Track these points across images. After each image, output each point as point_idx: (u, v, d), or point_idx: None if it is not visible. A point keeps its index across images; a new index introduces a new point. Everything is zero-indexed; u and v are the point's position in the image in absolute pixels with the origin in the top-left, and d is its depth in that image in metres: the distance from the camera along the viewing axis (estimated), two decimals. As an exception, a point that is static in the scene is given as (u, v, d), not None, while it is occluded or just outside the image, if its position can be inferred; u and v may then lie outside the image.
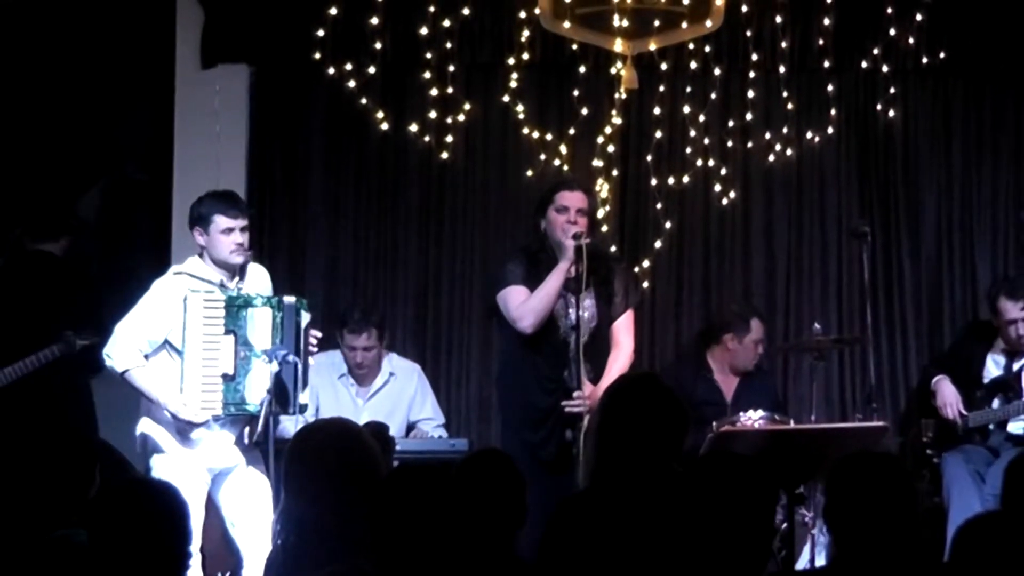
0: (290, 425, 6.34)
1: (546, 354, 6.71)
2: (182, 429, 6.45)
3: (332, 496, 4.38)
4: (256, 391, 6.38)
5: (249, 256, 6.59)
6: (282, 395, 6.35)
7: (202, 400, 6.39)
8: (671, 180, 8.26)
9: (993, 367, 7.67)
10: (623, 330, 6.85)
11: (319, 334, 6.67)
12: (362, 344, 7.73)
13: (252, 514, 6.42)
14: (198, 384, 6.39)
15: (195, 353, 6.38)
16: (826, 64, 8.20)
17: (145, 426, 6.53)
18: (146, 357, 6.46)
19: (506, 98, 8.19)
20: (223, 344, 6.38)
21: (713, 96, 8.22)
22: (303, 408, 6.52)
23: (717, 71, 8.19)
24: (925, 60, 8.16)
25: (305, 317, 6.53)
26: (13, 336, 7.51)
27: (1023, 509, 4.11)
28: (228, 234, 6.47)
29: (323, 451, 4.50)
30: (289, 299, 6.52)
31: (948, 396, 7.58)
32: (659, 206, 8.25)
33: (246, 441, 6.50)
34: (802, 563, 6.89)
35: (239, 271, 6.60)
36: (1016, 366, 7.61)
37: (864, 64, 8.22)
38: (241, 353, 6.39)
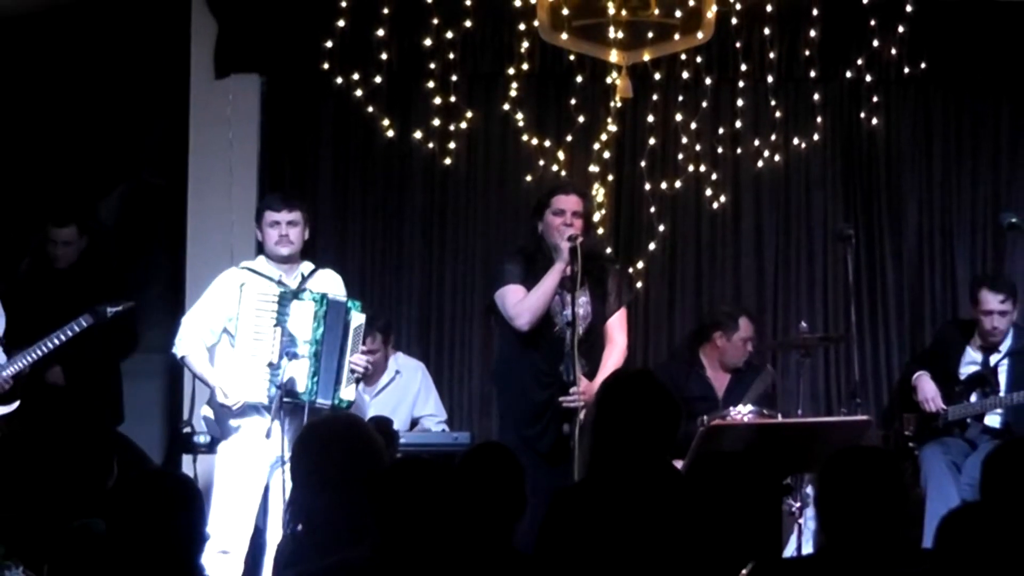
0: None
1: (542, 350, 6.71)
2: (221, 416, 6.51)
3: (338, 487, 4.37)
4: (300, 380, 6.41)
5: (296, 249, 6.65)
6: (290, 391, 6.38)
7: (248, 387, 6.42)
8: (664, 185, 8.26)
9: (970, 363, 7.67)
10: (617, 327, 6.85)
11: (365, 347, 6.70)
12: (366, 348, 7.73)
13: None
14: (243, 372, 6.44)
15: (245, 342, 6.46)
16: (812, 74, 8.21)
17: (205, 410, 6.74)
18: (210, 348, 6.56)
19: (506, 106, 8.18)
20: (270, 335, 6.43)
21: (704, 104, 8.21)
22: (348, 403, 6.53)
23: (708, 81, 8.19)
24: (907, 70, 8.16)
25: (357, 318, 6.56)
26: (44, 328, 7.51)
27: (1002, 499, 4.10)
28: (274, 227, 6.61)
29: (329, 444, 4.50)
30: (338, 297, 6.57)
31: (928, 391, 7.58)
32: (653, 210, 8.25)
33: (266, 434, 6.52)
34: (789, 551, 6.89)
35: (304, 272, 6.65)
36: (993, 361, 7.61)
37: (848, 74, 8.22)
38: (285, 343, 6.42)
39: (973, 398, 7.58)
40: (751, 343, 7.96)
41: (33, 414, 7.39)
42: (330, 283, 6.72)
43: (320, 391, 6.49)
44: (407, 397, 7.87)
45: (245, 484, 6.52)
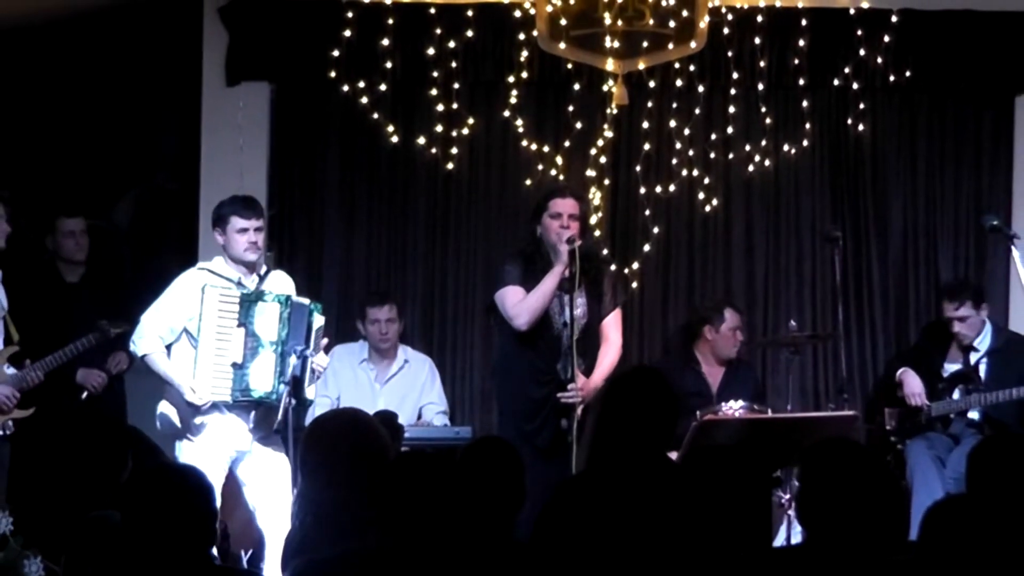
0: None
1: (540, 349, 6.72)
2: (187, 414, 6.47)
3: (345, 479, 4.37)
4: (261, 379, 6.40)
5: (265, 254, 6.62)
6: (297, 387, 6.37)
7: (212, 386, 6.41)
8: (658, 189, 8.26)
9: (952, 362, 7.69)
10: (612, 326, 6.86)
11: (325, 340, 6.68)
12: (384, 316, 7.78)
13: (270, 495, 6.42)
14: (210, 371, 6.42)
15: (208, 343, 6.42)
16: (801, 82, 8.21)
17: (164, 407, 6.60)
18: (168, 346, 6.49)
19: (507, 113, 8.19)
20: (234, 336, 6.41)
21: (697, 111, 8.22)
22: (309, 402, 6.55)
23: (701, 88, 8.19)
24: (892, 78, 8.17)
25: (318, 320, 6.54)
26: (57, 327, 7.49)
27: (987, 492, 4.10)
28: (243, 233, 6.52)
29: (337, 438, 4.49)
30: (301, 299, 6.54)
31: (914, 387, 7.59)
32: (647, 213, 8.25)
33: (275, 428, 6.50)
34: (778, 541, 6.88)
35: (260, 273, 6.62)
36: (973, 360, 7.62)
37: (836, 82, 8.22)
38: (249, 344, 6.40)
39: (956, 395, 7.60)
40: (740, 332, 7.98)
41: (50, 410, 7.38)
42: (283, 284, 6.69)
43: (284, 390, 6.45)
44: (415, 386, 7.91)
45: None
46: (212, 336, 6.41)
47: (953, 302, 7.58)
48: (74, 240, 7.84)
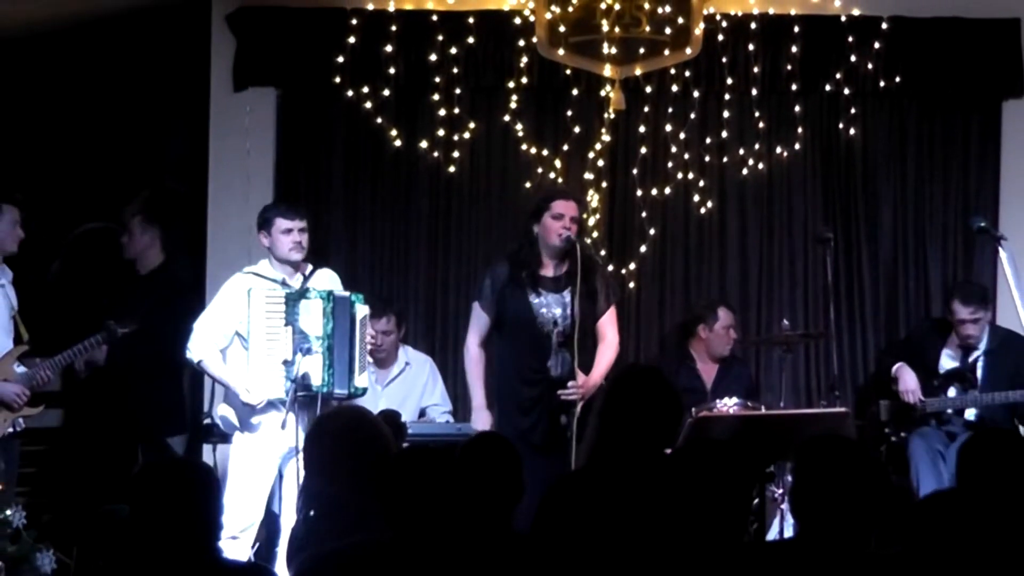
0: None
1: (530, 348, 6.71)
2: (243, 414, 6.51)
3: (348, 474, 4.37)
4: (312, 373, 6.41)
5: (304, 254, 6.69)
6: (305, 384, 6.38)
7: (266, 385, 6.43)
8: (655, 191, 8.25)
9: (948, 360, 7.67)
10: (608, 325, 6.86)
11: (373, 332, 6.72)
12: (381, 328, 7.76)
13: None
14: (263, 370, 6.44)
15: (259, 343, 6.48)
16: (793, 87, 8.20)
17: (223, 409, 6.69)
18: (223, 350, 6.54)
19: (507, 118, 8.19)
20: (283, 334, 6.43)
21: (692, 116, 8.21)
22: (362, 391, 6.56)
23: (696, 93, 8.19)
24: (883, 84, 8.16)
25: (361, 310, 6.60)
26: (71, 325, 7.50)
27: (977, 486, 4.09)
28: (287, 234, 6.64)
29: (340, 434, 4.50)
30: (342, 292, 6.59)
31: (910, 383, 7.56)
32: (644, 214, 8.25)
33: (282, 428, 6.50)
34: (772, 534, 6.87)
35: (305, 273, 6.67)
36: (971, 359, 7.60)
37: (828, 87, 8.21)
38: (298, 341, 6.44)
39: (951, 392, 7.57)
40: (733, 330, 7.98)
41: (67, 411, 7.39)
42: (329, 281, 6.75)
43: (336, 382, 6.53)
44: (416, 388, 7.87)
45: (258, 474, 6.52)
46: (262, 336, 6.48)
47: (969, 305, 7.50)
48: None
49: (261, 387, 6.46)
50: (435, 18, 8.11)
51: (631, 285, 8.17)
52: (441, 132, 8.17)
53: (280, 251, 6.65)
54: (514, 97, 8.16)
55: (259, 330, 6.47)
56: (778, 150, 8.28)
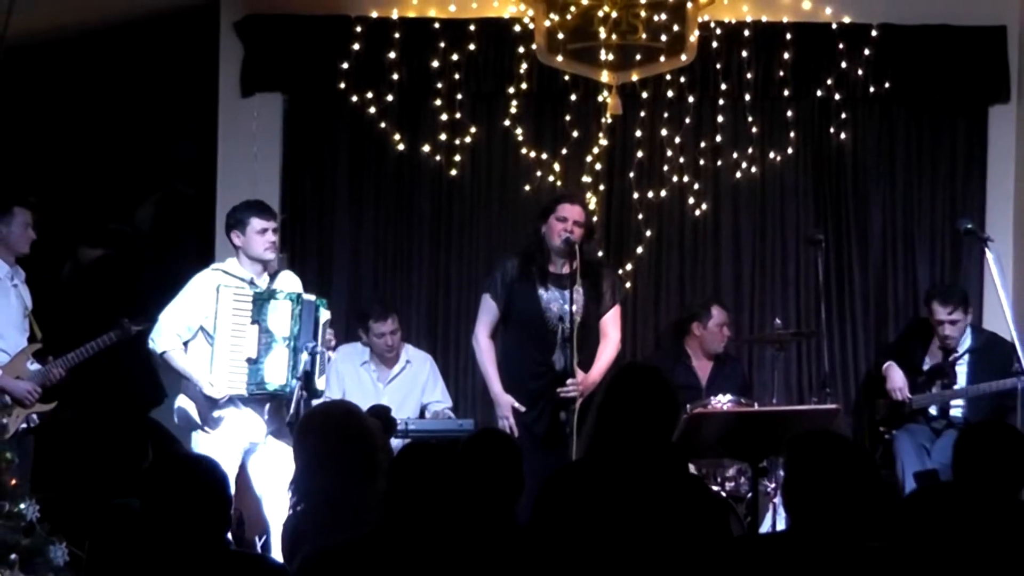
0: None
1: (536, 342, 6.75)
2: (204, 408, 6.46)
3: (335, 468, 4.38)
4: (274, 373, 6.40)
5: (279, 255, 6.62)
6: (308, 381, 6.36)
7: (228, 380, 6.40)
8: (651, 194, 8.26)
9: (932, 359, 7.67)
10: (611, 323, 6.88)
11: (332, 336, 6.68)
12: (388, 329, 7.75)
13: (277, 485, 6.41)
14: (226, 366, 6.41)
15: (224, 339, 6.41)
16: (786, 93, 8.21)
17: (182, 401, 6.59)
18: (185, 343, 6.49)
19: (507, 123, 8.20)
20: (248, 332, 6.41)
21: (687, 121, 8.22)
22: (320, 393, 6.54)
23: (691, 99, 8.19)
24: (872, 89, 8.17)
25: (325, 315, 6.55)
26: (84, 326, 7.49)
27: (973, 478, 4.09)
28: (263, 234, 6.55)
29: (328, 429, 4.50)
30: (309, 296, 6.55)
31: (897, 381, 7.58)
32: (640, 217, 8.25)
33: (287, 420, 6.49)
34: (765, 527, 6.88)
35: (271, 274, 6.62)
36: (951, 359, 7.61)
37: (819, 93, 8.22)
38: (263, 340, 6.40)
39: (935, 389, 7.58)
40: (727, 328, 7.99)
41: (75, 402, 7.38)
42: (292, 283, 6.69)
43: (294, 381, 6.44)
44: (417, 385, 7.87)
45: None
46: (227, 333, 6.41)
47: (947, 306, 7.51)
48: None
49: (224, 382, 6.42)
50: (437, 26, 8.11)
51: (628, 285, 8.17)
52: (443, 136, 8.17)
53: (255, 250, 6.55)
54: (514, 102, 8.16)
55: (225, 327, 6.41)
56: (771, 154, 8.29)
